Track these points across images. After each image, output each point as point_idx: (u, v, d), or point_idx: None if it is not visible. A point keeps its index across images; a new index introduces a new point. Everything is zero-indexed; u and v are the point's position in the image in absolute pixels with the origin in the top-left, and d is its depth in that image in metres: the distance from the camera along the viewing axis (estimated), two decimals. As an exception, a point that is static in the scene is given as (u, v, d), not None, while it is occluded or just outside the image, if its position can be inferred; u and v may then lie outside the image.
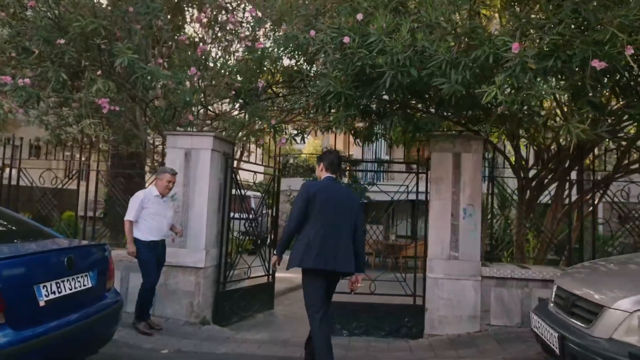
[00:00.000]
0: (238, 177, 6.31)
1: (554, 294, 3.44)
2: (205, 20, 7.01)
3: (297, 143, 5.74)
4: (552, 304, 3.39)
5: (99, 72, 4.95)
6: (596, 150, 6.02)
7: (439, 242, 5.46)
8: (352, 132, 4.81)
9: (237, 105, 5.94)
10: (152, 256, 5.01)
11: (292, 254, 3.86)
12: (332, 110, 4.89)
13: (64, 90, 5.62)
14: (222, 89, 5.72)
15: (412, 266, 12.18)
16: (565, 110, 4.15)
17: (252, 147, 8.62)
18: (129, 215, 4.97)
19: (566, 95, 4.08)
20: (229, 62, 6.14)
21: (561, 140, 4.97)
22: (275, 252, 4.04)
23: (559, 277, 3.59)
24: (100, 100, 5.08)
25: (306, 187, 3.93)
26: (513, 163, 6.13)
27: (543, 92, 3.34)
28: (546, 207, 6.59)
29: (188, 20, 7.87)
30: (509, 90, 3.67)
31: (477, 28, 3.93)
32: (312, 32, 4.21)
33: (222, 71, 5.74)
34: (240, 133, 6.30)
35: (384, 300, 5.76)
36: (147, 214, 4.99)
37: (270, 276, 7.03)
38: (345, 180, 13.14)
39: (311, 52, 4.49)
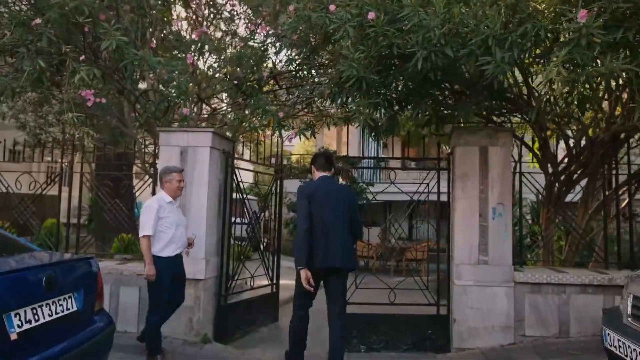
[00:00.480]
0: (240, 177, 5.72)
1: (630, 305, 2.93)
2: (194, 17, 6.38)
3: (307, 139, 5.16)
4: (629, 318, 2.88)
5: (82, 57, 4.31)
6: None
7: (466, 245, 4.93)
8: (371, 124, 4.24)
9: (239, 98, 5.32)
10: (169, 276, 4.31)
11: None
12: (349, 99, 4.34)
13: (42, 83, 4.97)
14: (222, 79, 5.12)
15: (412, 269, 11.79)
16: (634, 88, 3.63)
17: (244, 146, 8.04)
18: (145, 230, 4.16)
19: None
20: (228, 51, 5.55)
21: (631, 119, 4.38)
22: (299, 267, 3.80)
23: (632, 285, 3.08)
24: (84, 92, 4.46)
25: (303, 189, 4.06)
26: (539, 157, 5.65)
27: (613, 69, 2.82)
28: (567, 205, 6.13)
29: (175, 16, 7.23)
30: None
31: (524, -1, 3.41)
32: (332, 7, 3.65)
33: (222, 58, 5.14)
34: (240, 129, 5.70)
35: (404, 311, 5.23)
36: (165, 224, 4.26)
37: (275, 285, 6.46)
38: (341, 180, 12.61)
39: (328, 32, 3.92)
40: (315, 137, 5.28)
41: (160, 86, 5.63)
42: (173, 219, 4.30)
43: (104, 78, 4.74)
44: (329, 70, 4.74)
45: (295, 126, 5.21)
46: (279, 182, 6.60)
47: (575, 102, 3.83)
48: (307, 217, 3.82)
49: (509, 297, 4.83)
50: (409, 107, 4.52)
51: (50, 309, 2.66)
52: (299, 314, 4.01)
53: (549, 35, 3.20)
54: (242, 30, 6.31)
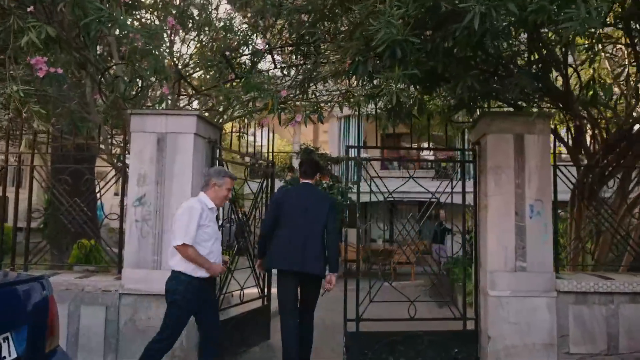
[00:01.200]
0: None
1: None
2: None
3: (313, 123, 4.33)
4: None
5: (30, 9, 3.30)
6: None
7: (501, 249, 4.22)
8: (406, 101, 3.45)
9: (228, 75, 4.42)
10: (198, 302, 3.47)
11: (267, 256, 4.16)
12: (375, 72, 3.53)
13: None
14: (209, 52, 4.22)
15: (402, 272, 11.14)
16: None
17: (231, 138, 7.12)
18: (185, 237, 3.31)
19: None
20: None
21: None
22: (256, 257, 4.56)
23: None
24: (33, 60, 3.47)
25: (275, 194, 4.44)
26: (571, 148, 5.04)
27: None
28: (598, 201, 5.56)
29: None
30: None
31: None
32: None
33: (207, 29, 4.23)
34: (229, 113, 4.78)
35: (425, 327, 4.50)
36: (203, 236, 3.43)
37: (266, 298, 5.58)
38: (324, 181, 11.89)
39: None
40: (322, 122, 4.45)
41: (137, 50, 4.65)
42: (212, 230, 3.49)
43: (61, 44, 3.74)
44: (341, 44, 3.93)
45: (298, 111, 4.35)
46: (269, 179, 5.74)
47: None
48: (267, 225, 4.17)
49: (551, 309, 4.16)
50: (449, 83, 3.76)
51: (-28, 363, 1.73)
52: (284, 319, 4.05)
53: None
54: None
